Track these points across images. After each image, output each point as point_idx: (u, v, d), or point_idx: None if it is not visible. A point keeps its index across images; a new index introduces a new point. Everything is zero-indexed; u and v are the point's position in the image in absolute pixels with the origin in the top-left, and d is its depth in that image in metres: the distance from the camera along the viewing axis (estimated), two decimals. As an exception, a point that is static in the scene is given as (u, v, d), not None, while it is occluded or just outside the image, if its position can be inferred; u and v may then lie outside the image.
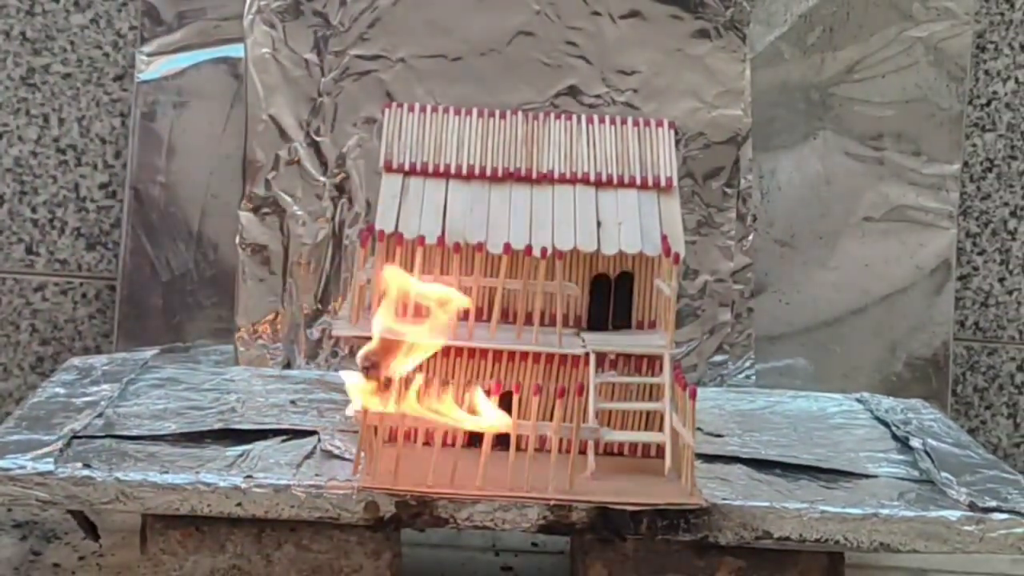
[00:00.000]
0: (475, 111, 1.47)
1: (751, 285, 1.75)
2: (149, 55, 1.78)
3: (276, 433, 1.38)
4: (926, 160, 1.82)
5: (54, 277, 1.84)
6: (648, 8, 1.74)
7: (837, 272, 1.82)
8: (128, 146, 1.79)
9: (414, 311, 1.35)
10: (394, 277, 1.32)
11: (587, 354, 1.33)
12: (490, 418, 1.24)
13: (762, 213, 1.81)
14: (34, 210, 1.83)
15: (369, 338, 1.28)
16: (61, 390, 1.48)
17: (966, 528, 1.27)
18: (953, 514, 1.27)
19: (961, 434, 1.51)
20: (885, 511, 1.27)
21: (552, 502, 1.24)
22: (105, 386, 1.49)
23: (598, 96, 1.74)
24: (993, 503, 1.28)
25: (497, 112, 1.47)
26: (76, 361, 1.60)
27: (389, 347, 1.28)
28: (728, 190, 1.75)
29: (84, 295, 1.84)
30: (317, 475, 1.27)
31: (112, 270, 1.83)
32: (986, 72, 1.87)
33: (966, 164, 1.87)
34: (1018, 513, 1.27)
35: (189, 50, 1.78)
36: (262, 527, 1.27)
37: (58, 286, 1.84)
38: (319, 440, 1.37)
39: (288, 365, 1.70)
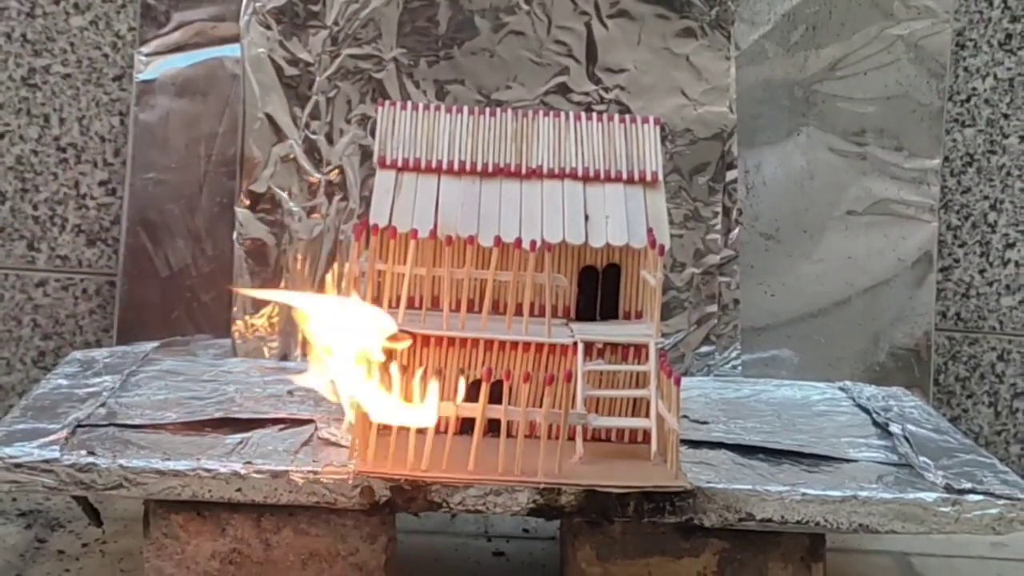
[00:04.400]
0: (466, 109, 1.50)
1: (737, 277, 1.78)
2: (147, 55, 1.81)
3: (274, 422, 1.42)
4: (908, 155, 1.86)
5: (55, 273, 1.88)
6: (635, 8, 1.78)
7: (821, 265, 1.85)
8: (127, 144, 1.82)
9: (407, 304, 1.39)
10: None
11: (575, 343, 1.37)
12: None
13: (747, 207, 1.84)
14: (35, 207, 1.86)
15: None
16: (64, 381, 1.51)
17: (942, 509, 1.30)
18: (930, 496, 1.31)
19: (940, 420, 1.55)
20: (864, 493, 1.31)
21: (542, 486, 1.27)
22: (107, 377, 1.52)
23: (587, 94, 1.78)
24: (968, 485, 1.32)
25: (487, 109, 1.50)
26: (78, 354, 1.63)
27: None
28: (714, 185, 1.79)
29: (85, 291, 1.88)
30: (314, 461, 1.31)
31: (112, 266, 1.87)
32: (965, 69, 1.91)
33: (947, 159, 1.91)
34: (992, 495, 1.31)
35: (186, 50, 1.81)
36: (261, 512, 1.31)
37: (59, 282, 1.88)
38: (316, 428, 1.40)
39: (284, 357, 1.73)
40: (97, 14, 1.85)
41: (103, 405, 1.43)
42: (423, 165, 1.46)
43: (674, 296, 1.76)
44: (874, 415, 1.55)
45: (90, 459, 1.28)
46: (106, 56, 1.85)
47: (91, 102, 1.86)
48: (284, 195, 1.76)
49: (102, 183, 1.87)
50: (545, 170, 1.47)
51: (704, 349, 1.77)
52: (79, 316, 1.88)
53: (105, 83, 1.86)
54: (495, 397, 1.29)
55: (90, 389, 1.48)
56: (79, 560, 1.49)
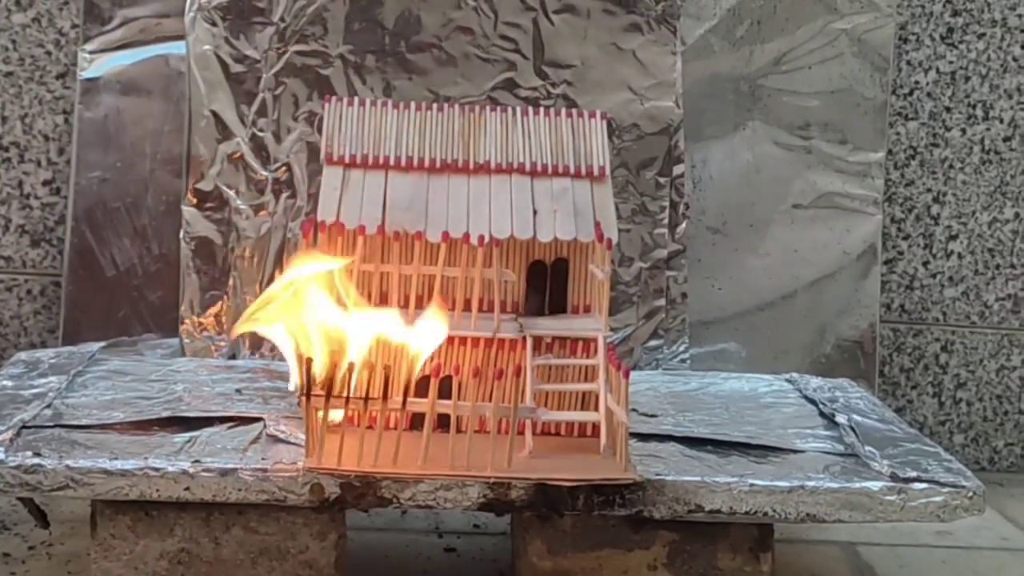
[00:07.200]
0: (413, 105, 1.50)
1: (684, 271, 1.80)
2: (91, 53, 1.80)
3: (223, 420, 1.41)
4: (852, 148, 1.88)
5: (-1, 274, 1.86)
6: (581, 3, 1.79)
7: (767, 258, 1.87)
8: (71, 143, 1.81)
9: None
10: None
11: (524, 338, 1.38)
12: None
13: (694, 201, 1.85)
14: (-22, 207, 1.85)
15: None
16: (9, 383, 1.50)
17: (888, 498, 1.32)
18: (875, 485, 1.32)
19: (885, 410, 1.57)
20: (811, 483, 1.32)
21: (492, 480, 1.28)
22: (53, 378, 1.51)
23: (534, 89, 1.79)
24: (913, 474, 1.34)
25: (435, 105, 1.51)
26: (23, 355, 1.62)
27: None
28: (661, 179, 1.80)
29: (29, 291, 1.86)
30: (263, 459, 1.30)
31: (57, 266, 1.85)
32: (908, 63, 1.93)
33: (890, 152, 1.93)
34: (937, 483, 1.33)
35: (131, 48, 1.80)
36: (210, 511, 1.30)
37: (3, 283, 1.86)
38: (265, 426, 1.40)
39: (233, 357, 1.73)
40: (40, 11, 1.83)
41: (49, 406, 1.42)
42: (371, 161, 1.46)
43: (622, 290, 1.78)
44: (820, 406, 1.56)
45: (36, 460, 1.27)
46: (49, 54, 1.84)
47: (34, 100, 1.84)
48: (231, 193, 1.75)
49: (46, 182, 1.85)
50: (493, 165, 1.47)
51: (652, 343, 1.78)
52: (24, 317, 1.86)
53: (48, 81, 1.84)
54: (444, 392, 1.30)
55: (36, 390, 1.47)
56: (25, 563, 1.48)
